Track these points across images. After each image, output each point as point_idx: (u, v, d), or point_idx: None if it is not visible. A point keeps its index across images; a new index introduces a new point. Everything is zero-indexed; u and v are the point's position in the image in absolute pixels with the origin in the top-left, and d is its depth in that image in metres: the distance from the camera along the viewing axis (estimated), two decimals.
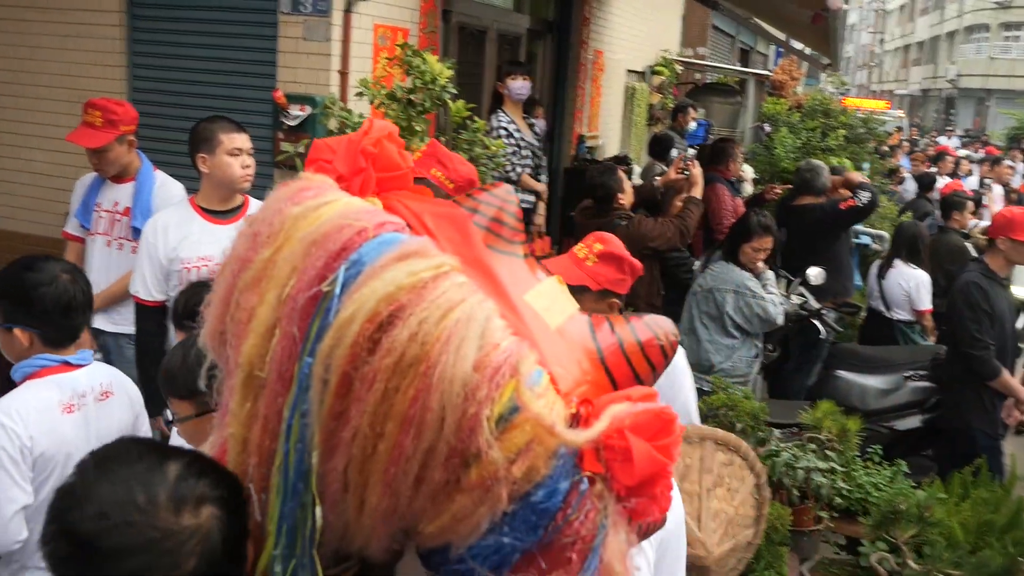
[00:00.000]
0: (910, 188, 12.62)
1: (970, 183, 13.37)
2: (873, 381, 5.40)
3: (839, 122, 10.30)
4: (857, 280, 7.14)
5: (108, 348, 4.07)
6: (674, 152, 8.30)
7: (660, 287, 5.29)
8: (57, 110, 5.82)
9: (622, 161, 8.45)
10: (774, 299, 4.77)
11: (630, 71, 11.10)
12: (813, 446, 3.50)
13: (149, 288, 3.57)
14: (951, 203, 7.67)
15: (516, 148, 6.18)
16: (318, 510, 1.01)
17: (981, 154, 19.39)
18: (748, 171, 8.83)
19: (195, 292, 2.61)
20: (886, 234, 7.81)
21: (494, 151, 4.80)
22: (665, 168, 7.91)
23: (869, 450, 3.68)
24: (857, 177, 6.56)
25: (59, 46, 5.80)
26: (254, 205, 3.64)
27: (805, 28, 12.15)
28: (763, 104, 13.34)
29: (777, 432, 3.61)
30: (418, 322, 0.94)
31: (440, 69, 4.24)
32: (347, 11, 5.13)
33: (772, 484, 3.13)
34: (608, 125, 10.46)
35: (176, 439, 2.10)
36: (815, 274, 5.46)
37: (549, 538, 1.00)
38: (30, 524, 2.32)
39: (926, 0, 55.43)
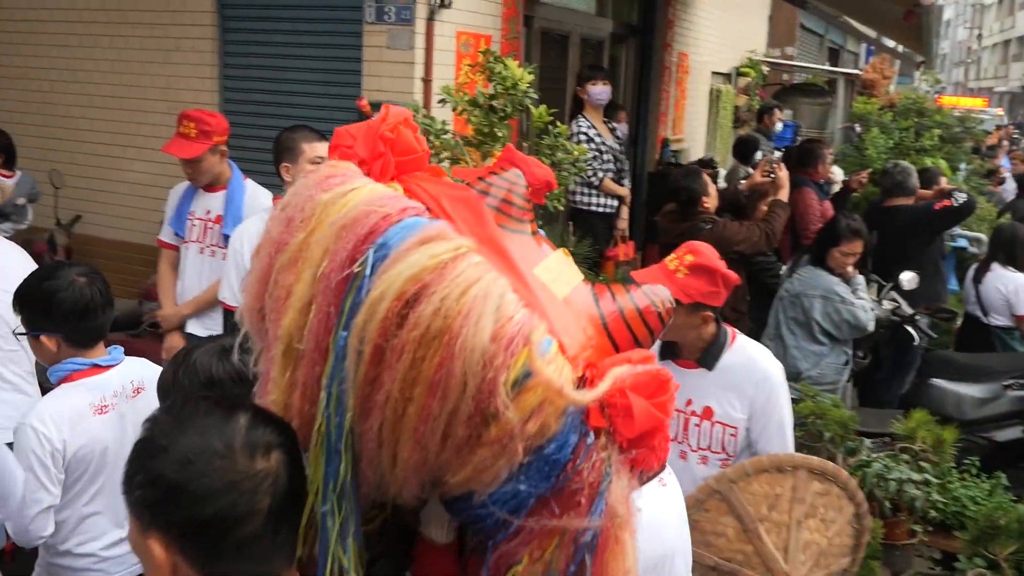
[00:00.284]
0: (1010, 189, 12.09)
1: None
2: (970, 390, 5.18)
3: (934, 121, 9.97)
4: (953, 284, 6.89)
5: None
6: (759, 155, 8.14)
7: (745, 292, 5.19)
8: (154, 122, 6.04)
9: (707, 164, 8.33)
10: (865, 305, 4.62)
11: (715, 73, 10.95)
12: (906, 457, 3.39)
13: (236, 294, 3.67)
14: None
15: (597, 153, 6.15)
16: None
17: None
18: (838, 173, 8.60)
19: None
20: (984, 236, 7.51)
21: (576, 156, 4.78)
22: (749, 171, 7.77)
23: (966, 462, 3.54)
24: (945, 187, 6.35)
25: (158, 60, 6.02)
26: None
27: (897, 25, 11.79)
28: (853, 104, 13.00)
29: (868, 442, 3.51)
30: (440, 299, 1.06)
31: (521, 74, 4.25)
32: (430, 19, 5.19)
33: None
34: (693, 128, 10.34)
35: None
36: (908, 279, 5.28)
37: (560, 485, 1.14)
38: (63, 512, 2.47)
39: None
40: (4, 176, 5.56)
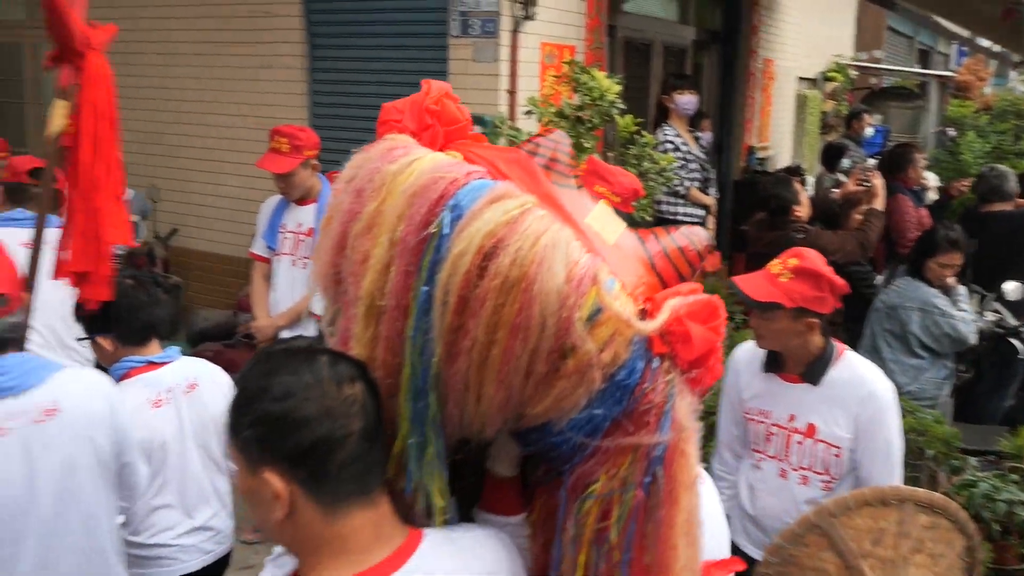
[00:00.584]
0: None
1: None
2: None
3: None
4: None
5: None
6: (845, 162, 7.93)
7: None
8: (245, 137, 6.20)
9: (794, 172, 8.14)
10: (966, 317, 4.44)
11: (801, 78, 10.72)
12: (1015, 477, 3.24)
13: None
14: None
15: (683, 161, 6.07)
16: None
17: None
18: (932, 178, 8.31)
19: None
20: None
21: (663, 165, 4.73)
22: (837, 178, 7.57)
23: None
24: None
25: (249, 77, 6.17)
26: None
27: (993, 24, 11.37)
28: (947, 107, 12.57)
29: (973, 460, 3.36)
30: (515, 250, 1.17)
31: (608, 85, 4.23)
32: (514, 31, 5.21)
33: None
34: (779, 135, 10.14)
35: None
36: (1012, 288, 5.06)
37: (631, 407, 1.26)
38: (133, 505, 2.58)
39: None
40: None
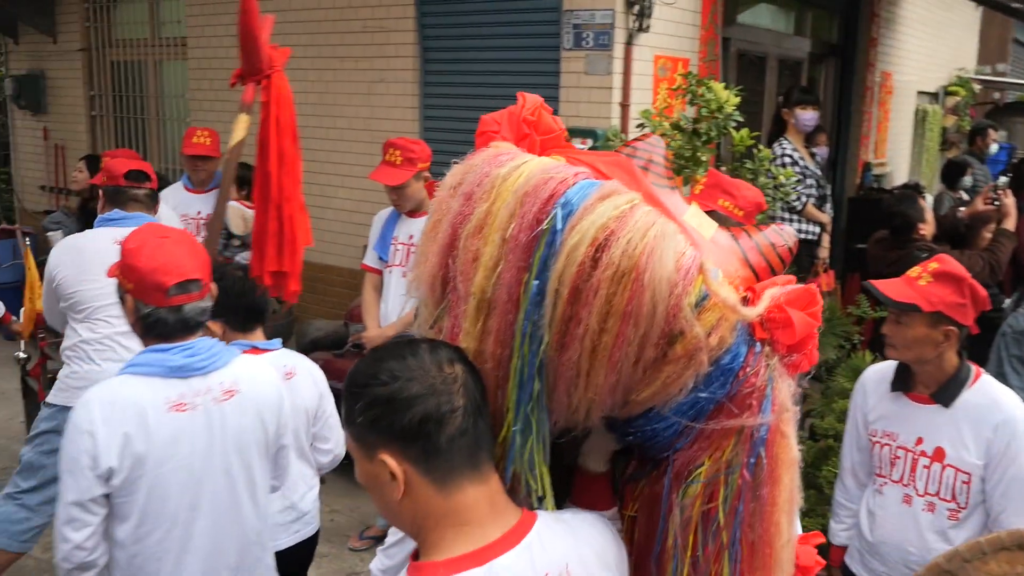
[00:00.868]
0: None
1: None
2: None
3: None
4: None
5: None
6: (967, 179, 7.58)
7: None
8: (357, 151, 6.30)
9: (913, 189, 7.82)
10: None
11: (921, 92, 10.33)
12: None
13: None
14: None
15: (801, 177, 5.89)
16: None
17: None
18: None
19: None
20: None
21: (781, 180, 4.58)
22: (960, 196, 7.23)
23: None
24: None
25: (362, 91, 6.27)
26: None
27: None
28: None
29: None
30: (626, 241, 1.22)
31: (727, 97, 4.11)
32: (628, 43, 5.14)
33: None
34: (896, 151, 9.78)
35: None
36: None
37: (735, 390, 1.31)
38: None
39: None
40: (246, 207, 5.85)
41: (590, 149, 4.97)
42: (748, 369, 1.31)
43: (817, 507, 4.17)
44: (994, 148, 9.24)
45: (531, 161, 1.35)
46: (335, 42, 6.36)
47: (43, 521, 3.81)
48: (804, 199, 5.94)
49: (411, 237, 4.38)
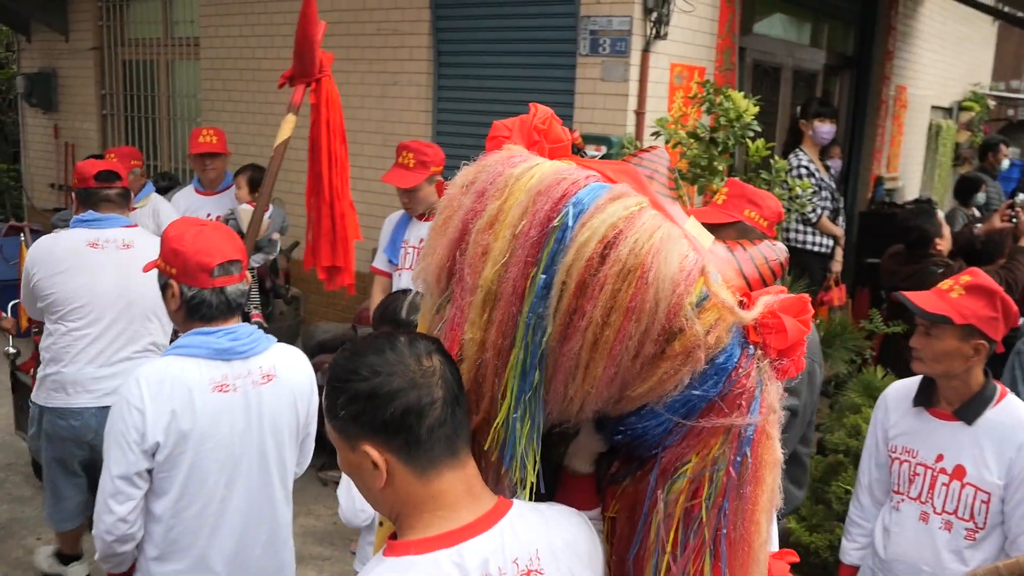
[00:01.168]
0: None
1: None
2: None
3: None
4: None
5: None
6: (981, 196, 7.51)
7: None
8: (369, 153, 6.26)
9: (921, 205, 7.76)
10: None
11: (935, 107, 10.27)
12: None
13: None
14: None
15: (816, 189, 5.83)
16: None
17: None
18: None
19: (393, 300, 2.97)
20: None
21: (797, 192, 4.52)
22: (968, 213, 7.17)
23: None
24: None
25: (375, 94, 6.23)
26: None
27: None
28: None
29: None
30: (634, 240, 1.28)
31: (746, 106, 4.06)
32: (645, 51, 5.10)
33: None
34: (909, 166, 9.71)
35: None
36: None
37: (726, 390, 1.35)
38: None
39: None
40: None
41: (602, 157, 4.92)
42: (740, 370, 1.36)
43: (825, 522, 4.11)
44: (1005, 164, 9.17)
45: (544, 163, 1.40)
46: (348, 44, 6.32)
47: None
48: (819, 211, 5.89)
49: (421, 240, 4.33)
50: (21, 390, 5.01)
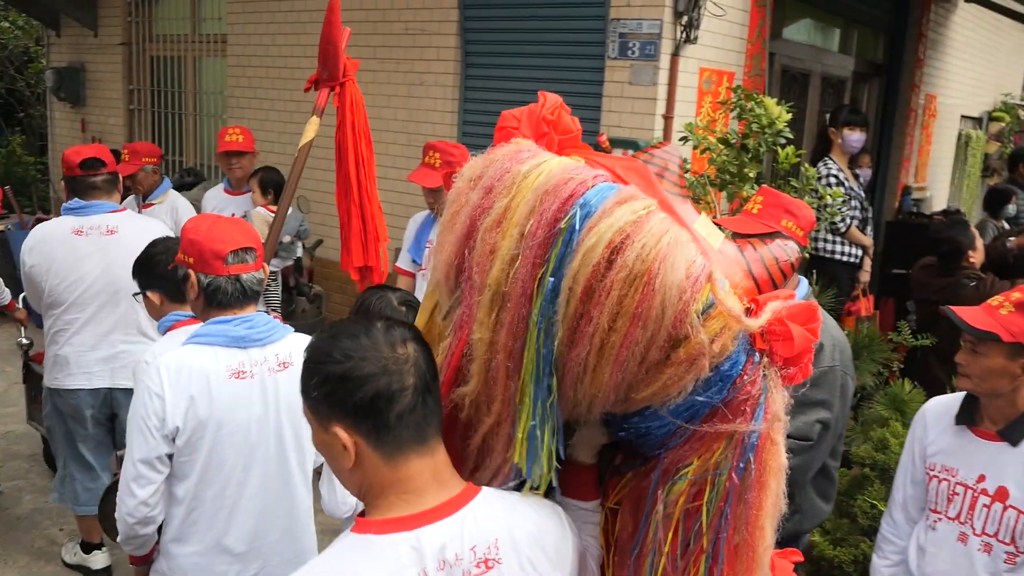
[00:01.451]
0: None
1: None
2: None
3: None
4: None
5: None
6: (1011, 208, 7.40)
7: None
8: (394, 153, 6.24)
9: (951, 216, 7.65)
10: None
11: (965, 117, 10.14)
12: None
13: None
14: None
15: (846, 198, 5.76)
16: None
17: None
18: None
19: (369, 296, 3.03)
20: None
21: (827, 200, 4.45)
22: (997, 225, 7.07)
23: None
24: None
25: (402, 94, 6.22)
26: None
27: None
28: None
29: None
30: (641, 246, 1.27)
31: (779, 112, 4.00)
32: (675, 54, 5.05)
33: None
34: (937, 176, 9.60)
35: None
36: None
37: (731, 396, 1.34)
38: None
39: None
40: (271, 212, 5.77)
41: None
42: (746, 377, 1.35)
43: (850, 536, 4.05)
44: None
45: (552, 160, 1.38)
46: (376, 43, 6.31)
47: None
48: (848, 221, 5.82)
49: None
50: (34, 380, 5.05)
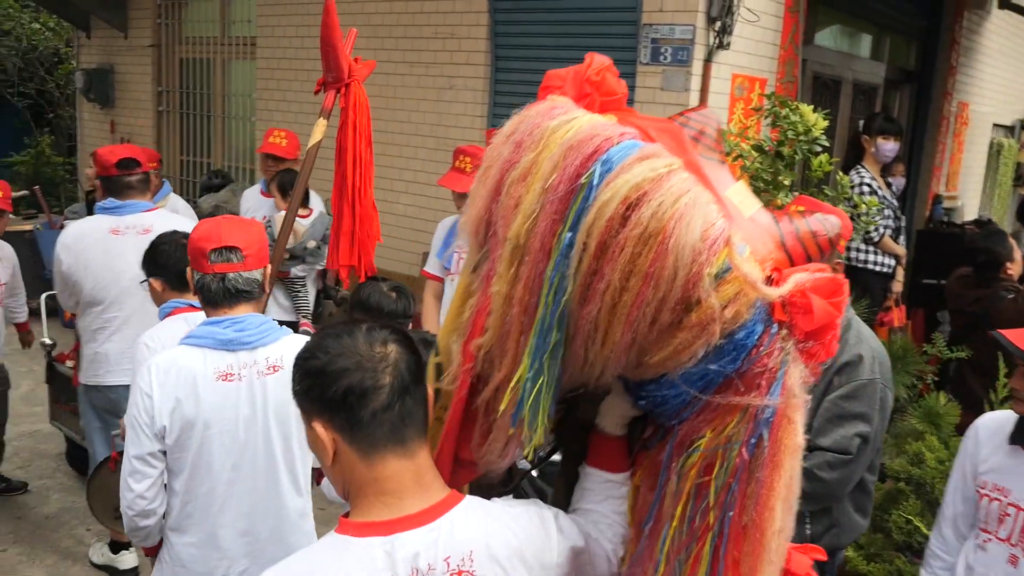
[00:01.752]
0: None
1: None
2: None
3: None
4: None
5: None
6: None
7: None
8: (422, 157, 6.23)
9: (983, 226, 7.54)
10: None
11: (997, 125, 10.01)
12: None
13: None
14: None
15: (881, 207, 5.69)
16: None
17: None
18: None
19: (365, 286, 3.10)
20: None
21: (862, 209, 4.39)
22: None
23: None
24: None
25: (431, 98, 6.20)
26: None
27: None
28: None
29: None
30: (658, 204, 1.24)
31: (815, 120, 3.95)
32: (707, 60, 5.00)
33: None
34: (968, 185, 9.48)
35: None
36: None
37: (745, 368, 1.31)
38: None
39: None
40: (299, 216, 5.69)
41: None
42: (761, 348, 1.31)
43: (884, 552, 3.97)
44: None
45: (582, 117, 1.37)
46: (405, 47, 6.30)
47: None
48: (881, 230, 5.74)
49: None
50: (58, 380, 5.06)
